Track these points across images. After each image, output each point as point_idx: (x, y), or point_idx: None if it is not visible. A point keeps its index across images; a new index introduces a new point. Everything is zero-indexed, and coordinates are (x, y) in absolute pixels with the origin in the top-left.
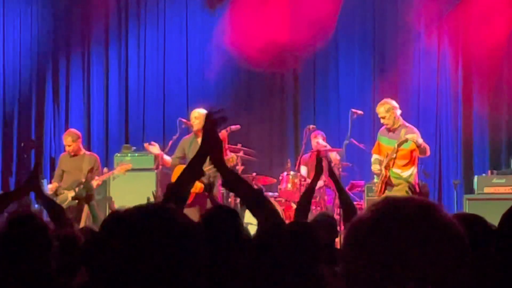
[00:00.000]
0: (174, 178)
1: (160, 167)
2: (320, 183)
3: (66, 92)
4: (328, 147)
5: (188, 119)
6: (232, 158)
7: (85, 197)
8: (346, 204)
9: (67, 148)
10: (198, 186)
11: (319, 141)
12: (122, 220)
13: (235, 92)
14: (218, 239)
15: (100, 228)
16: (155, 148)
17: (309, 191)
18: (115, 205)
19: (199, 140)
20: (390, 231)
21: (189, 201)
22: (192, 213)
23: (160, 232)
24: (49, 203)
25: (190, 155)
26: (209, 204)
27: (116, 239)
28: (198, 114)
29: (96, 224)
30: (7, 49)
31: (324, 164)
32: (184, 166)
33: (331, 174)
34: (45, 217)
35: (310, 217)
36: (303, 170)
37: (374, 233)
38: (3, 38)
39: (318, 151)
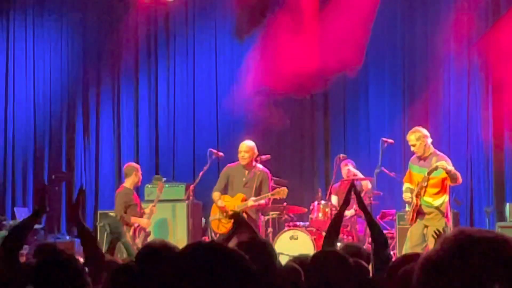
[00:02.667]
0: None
1: (191, 197)
2: (351, 212)
3: (96, 124)
4: (359, 174)
5: (218, 150)
6: (283, 191)
7: (117, 234)
8: (376, 235)
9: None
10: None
11: (349, 168)
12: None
13: (264, 121)
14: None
15: (136, 263)
16: None
17: (336, 221)
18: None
19: (246, 173)
20: (464, 271)
21: (229, 229)
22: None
23: (202, 272)
24: (85, 235)
25: (239, 186)
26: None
27: (151, 275)
28: (247, 148)
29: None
30: (38, 83)
31: (354, 194)
32: (228, 196)
33: (361, 204)
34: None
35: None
36: (334, 199)
37: (446, 271)
38: (33, 70)
39: (353, 181)
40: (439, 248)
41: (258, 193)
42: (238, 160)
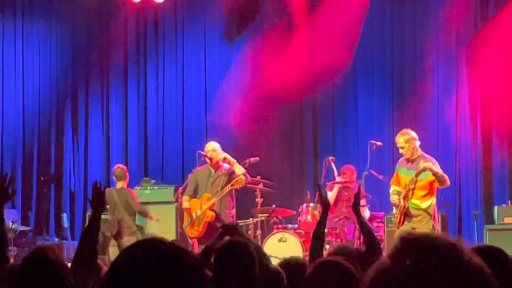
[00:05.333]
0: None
1: (180, 200)
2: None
3: (85, 126)
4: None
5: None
6: (240, 179)
7: (115, 233)
8: (369, 239)
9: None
10: (209, 215)
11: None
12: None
13: (253, 124)
14: (231, 273)
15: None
16: None
17: (319, 230)
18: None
19: (213, 172)
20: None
21: (202, 231)
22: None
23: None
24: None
25: (206, 186)
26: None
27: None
28: (213, 147)
29: None
30: (27, 84)
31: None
32: (195, 199)
33: (355, 207)
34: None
35: (331, 249)
36: (330, 194)
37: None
38: (22, 73)
39: (319, 186)
40: (389, 259)
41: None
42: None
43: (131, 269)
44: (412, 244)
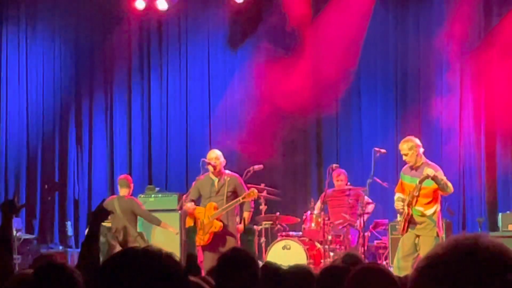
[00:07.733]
0: (188, 221)
1: (184, 206)
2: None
3: (89, 134)
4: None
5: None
6: (252, 192)
7: (122, 242)
8: None
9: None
10: (217, 226)
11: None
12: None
13: (257, 132)
14: (233, 281)
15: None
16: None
17: None
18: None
19: (216, 181)
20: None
21: (208, 240)
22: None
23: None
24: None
25: (210, 196)
26: (228, 243)
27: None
28: (216, 155)
29: None
30: (30, 92)
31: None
32: (199, 207)
33: None
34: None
35: (336, 256)
36: (318, 206)
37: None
38: (26, 80)
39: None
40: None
41: (232, 199)
42: (230, 169)
43: (113, 276)
44: (465, 241)
